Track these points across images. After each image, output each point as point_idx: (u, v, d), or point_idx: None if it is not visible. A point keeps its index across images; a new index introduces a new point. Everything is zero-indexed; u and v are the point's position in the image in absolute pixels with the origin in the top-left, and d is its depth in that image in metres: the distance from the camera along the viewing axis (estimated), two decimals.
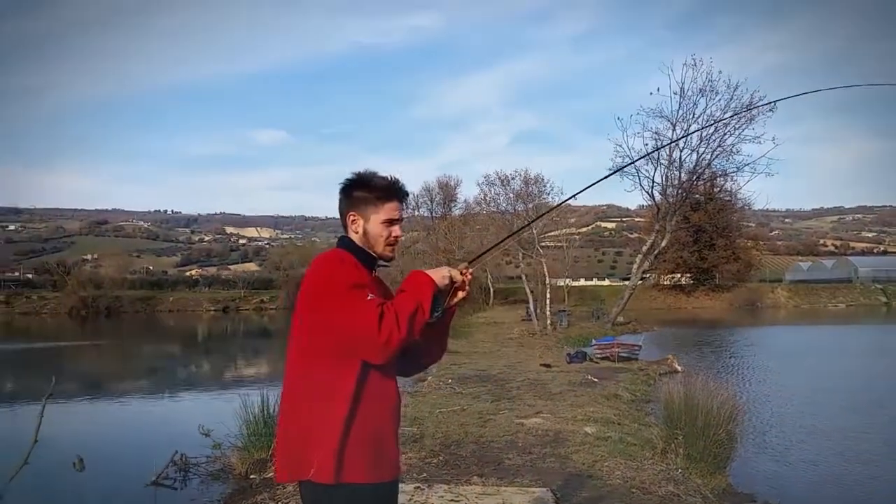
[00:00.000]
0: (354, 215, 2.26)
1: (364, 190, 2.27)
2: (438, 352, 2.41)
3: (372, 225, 2.26)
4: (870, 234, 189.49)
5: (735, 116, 26.29)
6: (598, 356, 16.36)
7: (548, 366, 14.56)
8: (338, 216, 2.34)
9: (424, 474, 5.89)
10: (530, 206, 33.14)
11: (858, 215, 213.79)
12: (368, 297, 2.02)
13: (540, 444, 7.12)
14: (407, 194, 2.34)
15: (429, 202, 66.80)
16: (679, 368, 15.34)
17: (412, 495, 5.25)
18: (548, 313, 29.71)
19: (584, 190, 2.64)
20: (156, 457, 7.24)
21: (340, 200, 2.31)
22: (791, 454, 7.95)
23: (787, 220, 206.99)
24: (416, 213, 65.56)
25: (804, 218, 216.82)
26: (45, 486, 6.50)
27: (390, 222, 2.27)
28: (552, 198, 34.48)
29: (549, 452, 6.72)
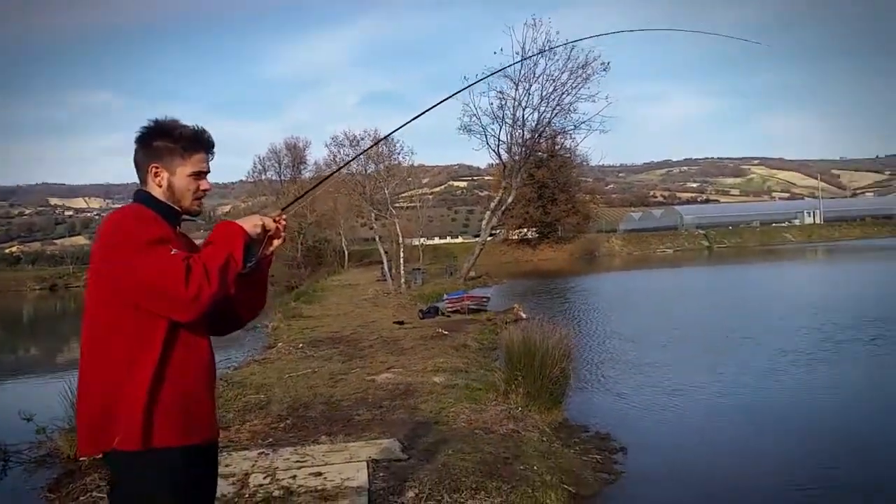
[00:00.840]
0: (158, 167, 2.08)
1: (167, 139, 2.09)
2: (258, 304, 2.30)
3: (178, 178, 2.10)
4: (694, 185, 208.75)
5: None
6: (450, 310, 16.80)
7: (401, 323, 14.74)
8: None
9: (270, 439, 5.80)
10: (381, 166, 32.98)
11: (684, 168, 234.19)
12: (172, 252, 1.88)
13: (390, 397, 7.23)
14: (213, 145, 2.19)
15: (276, 165, 64.49)
16: (524, 316, 16.10)
17: (255, 461, 5.15)
18: (402, 272, 30.00)
19: (415, 118, 2.59)
20: None
21: (137, 151, 2.12)
22: (618, 387, 8.64)
23: (620, 174, 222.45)
24: (264, 176, 63.23)
25: (636, 172, 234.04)
26: None
27: (198, 175, 2.14)
28: (403, 157, 34.50)
29: (398, 405, 6.85)
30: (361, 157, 35.28)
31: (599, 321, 15.41)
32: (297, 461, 5.12)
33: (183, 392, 1.97)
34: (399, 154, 34.63)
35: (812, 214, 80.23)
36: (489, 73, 17.01)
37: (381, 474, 4.74)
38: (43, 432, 6.57)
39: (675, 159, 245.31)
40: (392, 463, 4.98)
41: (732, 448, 6.07)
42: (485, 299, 17.71)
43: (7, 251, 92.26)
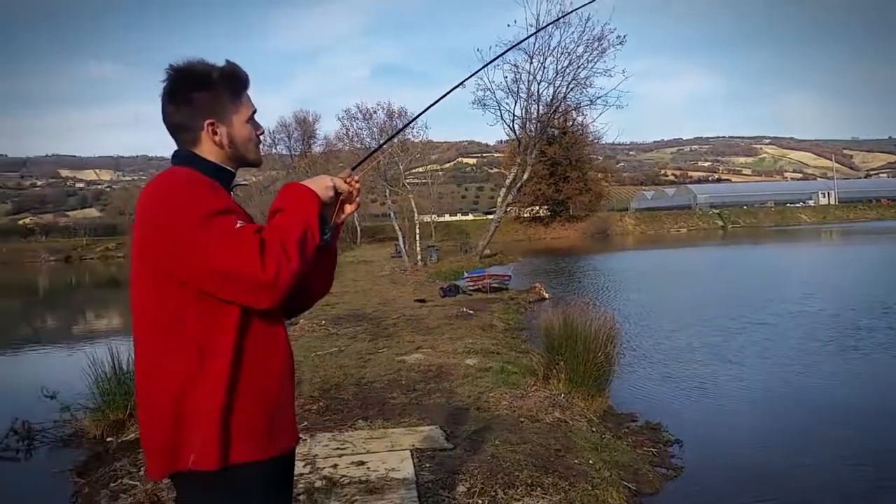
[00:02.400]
0: (214, 122, 1.71)
1: (209, 87, 1.70)
2: (329, 279, 1.95)
3: (237, 129, 1.75)
4: (706, 164, 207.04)
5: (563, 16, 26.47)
6: (471, 288, 16.54)
7: (422, 301, 14.51)
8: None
9: (305, 423, 5.54)
10: (395, 140, 32.56)
11: (695, 146, 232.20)
12: (238, 225, 1.54)
13: (423, 380, 6.98)
14: (249, 79, 1.81)
15: (286, 139, 64.10)
16: (546, 295, 15.87)
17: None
18: (417, 249, 29.74)
19: (440, 99, 2.24)
20: None
21: (172, 111, 1.71)
22: (657, 372, 8.37)
23: (631, 152, 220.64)
24: (274, 150, 62.81)
25: (646, 150, 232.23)
26: None
27: (253, 117, 1.79)
28: (417, 132, 34.06)
29: (433, 388, 6.59)
30: (374, 129, 34.99)
31: (623, 301, 15.08)
32: (337, 448, 4.87)
33: (263, 394, 1.64)
34: (413, 129, 34.22)
35: (826, 195, 79.29)
36: (506, 49, 16.55)
37: (427, 465, 4.48)
38: (68, 411, 6.37)
39: (685, 137, 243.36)
40: (437, 453, 4.72)
41: (787, 438, 5.78)
42: (506, 277, 17.43)
43: (20, 222, 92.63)
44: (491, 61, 6.46)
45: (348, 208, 1.83)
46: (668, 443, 5.65)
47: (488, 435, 5.02)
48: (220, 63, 1.74)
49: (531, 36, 27.50)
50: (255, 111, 1.80)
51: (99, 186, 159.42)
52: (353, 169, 1.88)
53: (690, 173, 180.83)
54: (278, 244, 1.52)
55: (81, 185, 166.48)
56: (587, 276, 23.28)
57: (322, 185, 1.72)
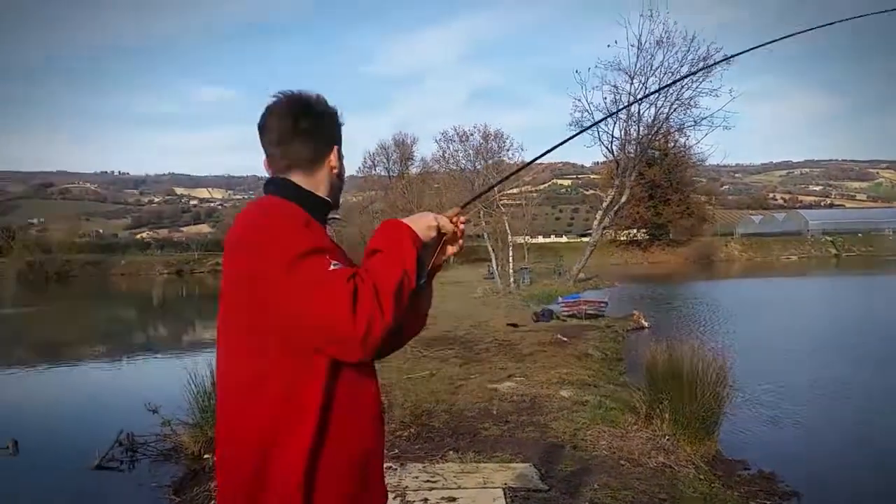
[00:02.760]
0: (338, 150, 1.66)
1: (334, 118, 1.65)
2: (421, 322, 1.79)
3: (341, 161, 1.68)
4: (817, 188, 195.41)
5: (705, 69, 25.69)
6: (566, 314, 16.11)
7: (515, 325, 14.23)
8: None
9: (396, 450, 5.43)
10: (490, 162, 32.61)
11: (806, 169, 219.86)
12: (331, 267, 1.39)
13: (516, 411, 6.73)
14: None
15: (385, 160, 65.61)
16: (646, 324, 15.23)
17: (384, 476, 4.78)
18: (510, 271, 29.48)
19: (563, 143, 2.01)
20: (101, 435, 6.64)
21: (301, 133, 1.58)
22: (769, 413, 7.76)
23: (736, 174, 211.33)
24: (373, 171, 64.41)
25: (753, 172, 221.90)
26: None
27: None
28: (512, 154, 34.00)
29: (526, 420, 6.34)
30: (470, 152, 35.12)
31: (729, 333, 14.22)
32: (427, 481, 4.71)
33: (352, 447, 1.49)
34: (508, 151, 34.19)
35: None
36: (650, 92, 16.00)
37: None
38: (168, 425, 6.55)
39: (795, 160, 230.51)
40: (531, 493, 4.47)
41: None
42: (603, 304, 16.87)
43: (139, 236, 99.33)
44: (613, 114, 6.22)
45: (450, 250, 1.67)
46: (785, 495, 5.16)
47: (586, 477, 4.72)
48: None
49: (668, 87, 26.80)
50: None
51: (211, 204, 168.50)
52: (463, 207, 1.74)
53: (801, 198, 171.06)
54: (372, 294, 1.36)
55: (195, 202, 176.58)
56: (689, 304, 22.22)
57: (424, 224, 1.57)
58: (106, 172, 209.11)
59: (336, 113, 1.66)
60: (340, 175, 1.67)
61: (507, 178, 7.26)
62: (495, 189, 29.70)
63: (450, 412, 6.78)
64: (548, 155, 1.97)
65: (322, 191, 1.61)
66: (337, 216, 1.74)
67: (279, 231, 1.42)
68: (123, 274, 59.40)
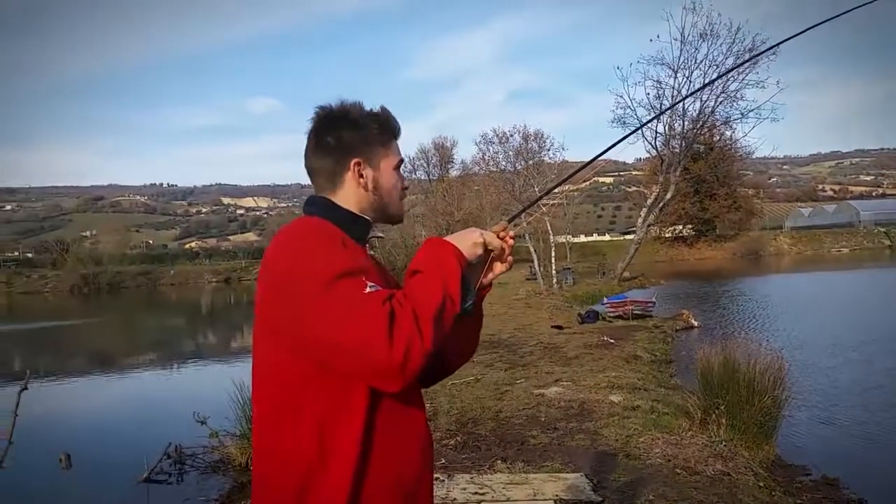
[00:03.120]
0: (361, 162, 1.52)
1: (360, 127, 1.53)
2: (472, 346, 1.68)
3: (384, 175, 1.55)
4: (868, 178, 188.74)
5: (748, 62, 25.03)
6: (611, 315, 15.81)
7: (560, 327, 14.02)
8: None
9: (443, 460, 5.33)
10: (531, 162, 32.34)
11: (856, 159, 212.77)
12: (367, 289, 1.29)
13: (564, 417, 6.56)
14: (400, 130, 1.64)
15: (425, 164, 65.89)
16: (695, 324, 14.85)
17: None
18: (553, 272, 29.18)
19: (613, 146, 1.88)
20: (151, 446, 6.71)
21: (318, 148, 1.55)
22: (827, 414, 7.42)
23: (784, 166, 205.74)
24: (414, 175, 64.64)
25: (801, 164, 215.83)
26: (26, 486, 5.98)
27: (399, 167, 1.60)
28: (553, 154, 33.66)
29: (575, 427, 6.17)
30: (510, 153, 34.86)
31: (784, 331, 13.71)
32: (475, 493, 4.60)
33: (399, 474, 1.39)
34: (549, 150, 33.86)
35: None
36: (698, 88, 15.74)
37: None
38: (216, 436, 6.58)
39: (844, 150, 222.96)
40: None
41: None
42: (650, 304, 16.49)
43: (187, 246, 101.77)
44: (660, 113, 6.02)
45: (498, 268, 1.56)
46: (851, 503, 4.88)
47: (641, 488, 4.54)
48: (375, 108, 1.58)
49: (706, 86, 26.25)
50: (402, 161, 1.61)
51: (257, 213, 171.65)
52: (510, 221, 1.62)
53: (851, 188, 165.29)
54: (411, 319, 1.26)
55: (241, 211, 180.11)
56: (739, 301, 21.61)
57: (469, 241, 1.46)
58: (155, 184, 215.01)
59: (362, 121, 1.54)
60: (377, 187, 1.54)
61: (561, 182, 6.83)
62: (536, 190, 29.46)
63: (496, 419, 6.65)
64: (589, 154, 1.85)
65: (353, 206, 1.53)
66: (379, 234, 1.62)
67: (312, 252, 1.35)
68: (173, 284, 60.94)
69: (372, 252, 1.60)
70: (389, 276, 1.58)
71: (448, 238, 1.46)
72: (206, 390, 10.86)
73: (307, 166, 1.58)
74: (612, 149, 1.95)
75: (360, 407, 1.34)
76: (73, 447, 7.15)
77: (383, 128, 1.56)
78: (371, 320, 1.24)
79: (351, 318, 1.26)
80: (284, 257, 1.38)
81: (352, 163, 1.52)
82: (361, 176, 1.53)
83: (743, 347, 5.99)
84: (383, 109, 1.59)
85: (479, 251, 1.47)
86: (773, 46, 18.92)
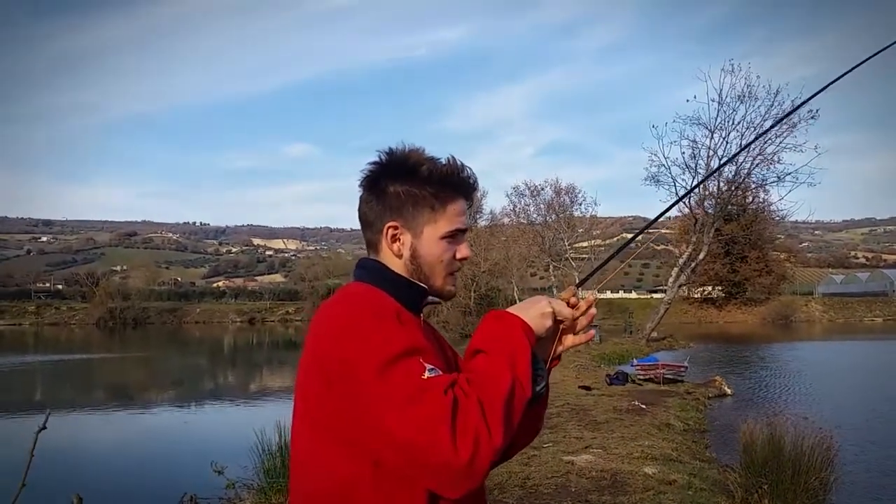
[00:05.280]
0: (397, 227, 1.33)
1: (409, 181, 1.32)
2: (538, 426, 1.43)
3: (426, 243, 1.33)
4: None
5: (784, 119, 24.90)
6: (642, 378, 15.34)
7: (587, 388, 13.61)
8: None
9: None
10: (562, 216, 32.28)
11: (891, 227, 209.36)
12: (426, 374, 1.12)
13: (596, 489, 6.23)
14: (476, 187, 1.39)
15: None
16: (728, 391, 14.35)
17: None
18: None
19: (670, 207, 1.78)
20: (165, 492, 6.53)
21: (365, 199, 1.37)
22: (875, 493, 6.96)
23: (816, 231, 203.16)
24: None
25: (834, 229, 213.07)
26: None
27: (454, 236, 1.35)
28: (585, 208, 33.62)
29: (609, 501, 5.83)
30: (541, 205, 35.01)
31: (821, 400, 13.16)
32: None
33: None
34: (581, 204, 33.88)
35: None
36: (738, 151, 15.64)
37: None
38: (232, 487, 6.34)
39: (879, 217, 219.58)
40: None
41: None
42: (683, 369, 15.96)
43: (215, 285, 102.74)
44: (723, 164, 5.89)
45: (570, 340, 1.35)
46: None
47: None
48: (451, 159, 1.36)
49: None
50: (463, 228, 1.37)
51: (285, 255, 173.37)
52: (579, 286, 1.42)
53: (885, 256, 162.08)
54: (477, 410, 1.08)
55: (270, 252, 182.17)
56: (772, 368, 20.95)
57: (537, 312, 1.26)
58: (188, 223, 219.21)
59: (417, 175, 1.32)
60: (415, 257, 1.33)
61: (626, 244, 5.33)
62: (565, 242, 29.34)
63: (524, 487, 6.34)
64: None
65: (403, 270, 1.34)
66: (437, 300, 1.39)
67: (365, 332, 1.16)
68: (198, 322, 61.38)
69: (426, 321, 1.40)
70: (448, 349, 1.40)
71: (511, 310, 1.27)
72: (224, 434, 10.69)
73: (359, 215, 1.39)
74: (660, 216, 1.87)
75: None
76: (86, 487, 6.92)
77: (442, 185, 1.33)
78: (431, 412, 1.07)
79: (408, 409, 1.08)
80: (331, 335, 1.19)
81: (386, 226, 1.33)
82: (395, 240, 1.33)
83: (789, 422, 5.66)
84: (452, 160, 1.35)
85: (549, 323, 1.27)
86: (806, 101, 18.84)
